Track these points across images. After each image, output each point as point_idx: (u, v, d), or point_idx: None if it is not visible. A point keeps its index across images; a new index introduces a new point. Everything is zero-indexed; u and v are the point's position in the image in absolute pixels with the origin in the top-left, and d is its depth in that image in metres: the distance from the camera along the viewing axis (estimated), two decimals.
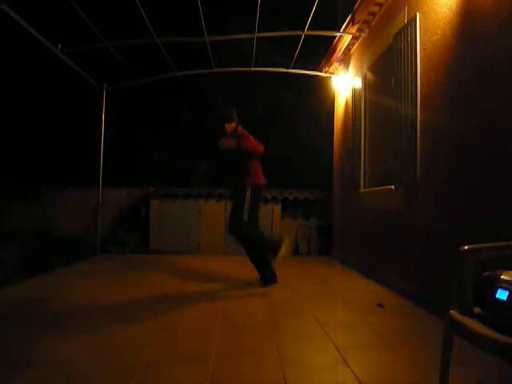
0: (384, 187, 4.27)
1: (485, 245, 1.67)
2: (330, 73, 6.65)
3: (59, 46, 4.97)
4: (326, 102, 7.30)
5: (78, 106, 8.79)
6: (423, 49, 3.48)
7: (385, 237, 4.27)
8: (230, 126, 4.32)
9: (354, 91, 5.52)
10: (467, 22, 2.83)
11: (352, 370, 2.02)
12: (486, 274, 1.53)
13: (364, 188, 5.14)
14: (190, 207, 7.07)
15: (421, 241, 3.45)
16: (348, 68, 5.95)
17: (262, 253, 4.09)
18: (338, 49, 5.83)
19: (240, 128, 4.38)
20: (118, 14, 6.91)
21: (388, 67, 4.33)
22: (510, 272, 1.47)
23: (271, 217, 7.09)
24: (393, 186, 4.00)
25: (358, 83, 5.41)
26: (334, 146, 6.85)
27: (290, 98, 9.54)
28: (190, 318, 2.99)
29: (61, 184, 7.26)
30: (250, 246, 4.07)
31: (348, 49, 5.84)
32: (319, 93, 7.51)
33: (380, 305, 3.33)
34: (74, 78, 6.09)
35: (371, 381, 1.94)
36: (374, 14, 4.79)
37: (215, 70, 6.33)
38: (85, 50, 5.35)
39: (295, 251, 7.16)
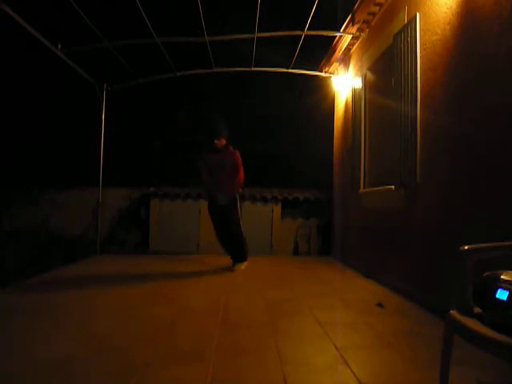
0: (384, 187, 4.27)
1: (485, 245, 1.67)
2: (330, 73, 6.65)
3: (59, 45, 4.96)
4: (325, 101, 7.29)
5: (78, 106, 8.79)
6: (423, 49, 3.48)
7: (385, 237, 4.27)
8: (220, 143, 4.80)
9: (354, 91, 5.52)
10: (467, 22, 2.83)
11: (352, 370, 2.02)
12: (485, 274, 1.54)
13: (364, 188, 5.14)
14: (190, 207, 7.07)
15: (421, 240, 3.45)
16: (348, 68, 5.95)
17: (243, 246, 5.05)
18: (338, 49, 5.82)
19: (231, 147, 4.85)
20: (118, 14, 6.90)
21: (388, 67, 4.33)
22: (510, 272, 1.48)
23: (271, 217, 7.10)
24: (393, 186, 4.00)
25: (358, 83, 5.41)
26: (334, 146, 6.85)
27: (290, 98, 9.53)
28: (189, 317, 2.99)
29: (61, 184, 7.25)
30: (239, 244, 5.01)
31: (348, 49, 5.84)
32: (319, 93, 7.51)
33: (380, 305, 3.33)
34: (74, 77, 6.09)
35: (371, 381, 1.94)
36: (373, 14, 4.79)
37: (215, 70, 6.34)
38: (85, 50, 5.34)
39: (295, 251, 7.16)
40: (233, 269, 4.94)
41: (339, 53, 5.94)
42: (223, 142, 4.83)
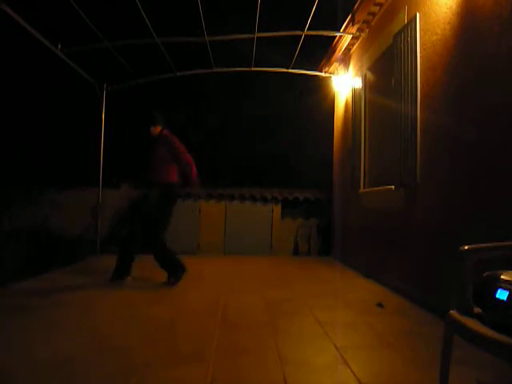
0: (384, 187, 4.27)
1: (485, 245, 1.67)
2: (330, 73, 6.65)
3: (59, 45, 4.96)
4: (326, 101, 7.30)
5: (78, 106, 8.79)
6: (423, 49, 3.48)
7: (385, 237, 4.27)
8: (155, 129, 4.56)
9: (354, 91, 5.52)
10: (467, 22, 2.83)
11: (352, 370, 2.02)
12: (485, 273, 1.53)
13: (364, 188, 5.14)
14: (190, 207, 7.06)
15: (421, 240, 3.45)
16: (348, 68, 5.95)
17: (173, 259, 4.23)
18: (338, 49, 5.83)
19: (166, 131, 4.55)
20: (118, 14, 6.90)
21: (388, 67, 4.33)
22: (510, 272, 1.48)
23: (271, 217, 7.09)
24: (393, 186, 4.00)
25: (358, 83, 5.41)
26: (334, 146, 6.85)
27: (290, 98, 9.54)
28: (189, 317, 2.99)
29: (61, 184, 7.25)
30: (164, 257, 4.21)
31: (348, 49, 5.84)
32: (319, 93, 7.51)
33: (380, 305, 3.33)
34: (74, 77, 6.09)
35: (371, 381, 1.94)
36: (373, 14, 4.79)
37: (215, 69, 6.34)
38: (85, 50, 5.35)
39: (295, 251, 7.15)
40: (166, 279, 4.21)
41: (339, 53, 5.94)
42: (158, 128, 4.56)
